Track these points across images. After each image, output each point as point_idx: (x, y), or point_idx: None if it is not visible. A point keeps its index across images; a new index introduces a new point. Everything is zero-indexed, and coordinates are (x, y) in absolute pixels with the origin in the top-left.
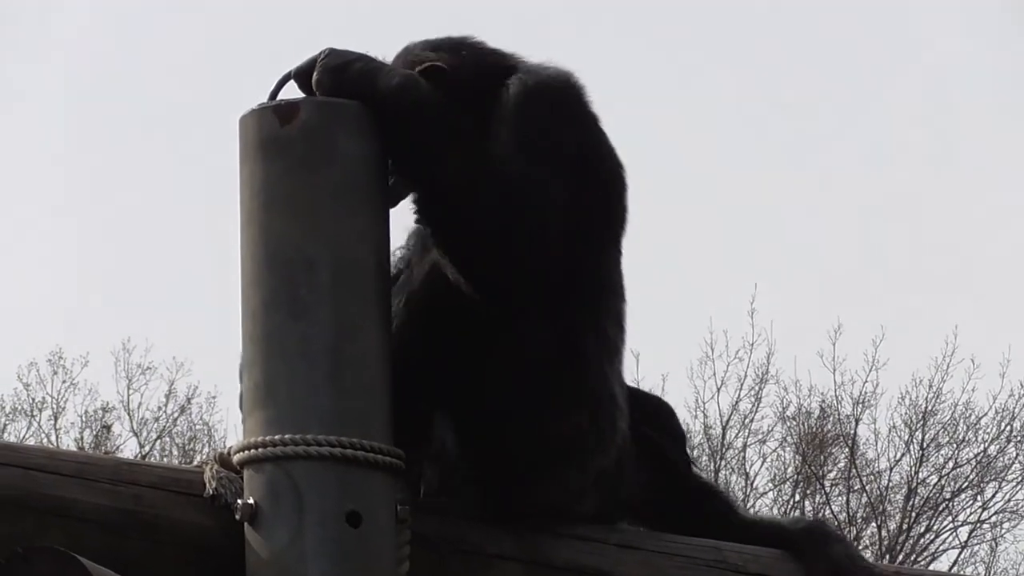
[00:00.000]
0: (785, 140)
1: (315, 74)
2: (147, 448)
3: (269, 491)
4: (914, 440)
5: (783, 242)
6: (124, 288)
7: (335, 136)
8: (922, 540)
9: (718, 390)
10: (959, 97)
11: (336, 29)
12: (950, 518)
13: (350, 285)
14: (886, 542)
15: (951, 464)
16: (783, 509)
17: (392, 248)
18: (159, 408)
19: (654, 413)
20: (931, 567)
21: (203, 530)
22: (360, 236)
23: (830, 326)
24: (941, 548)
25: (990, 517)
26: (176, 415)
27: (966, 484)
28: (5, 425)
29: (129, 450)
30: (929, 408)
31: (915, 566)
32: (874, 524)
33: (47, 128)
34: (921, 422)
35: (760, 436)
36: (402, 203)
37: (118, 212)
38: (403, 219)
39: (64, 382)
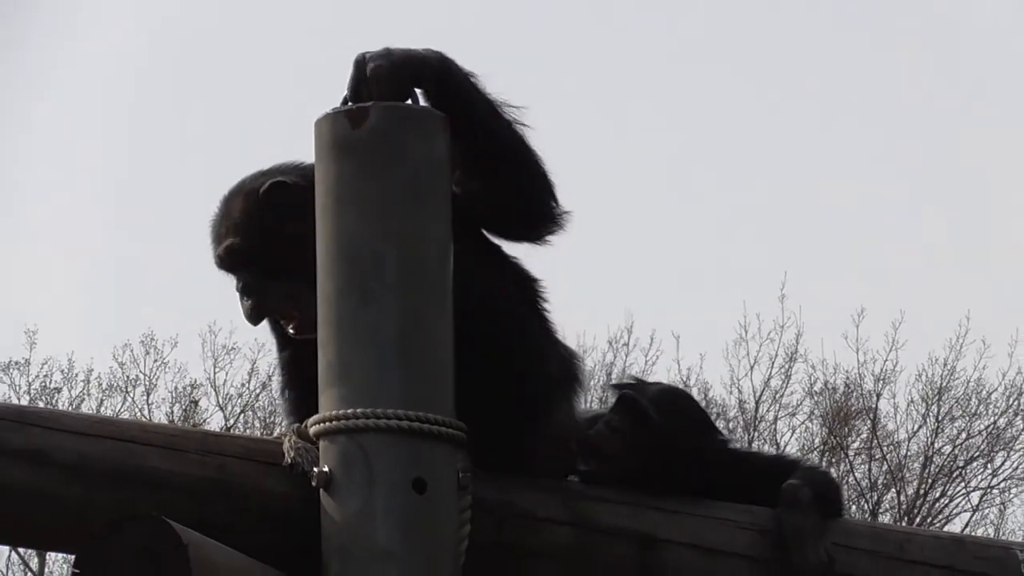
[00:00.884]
0: (812, 139)
1: (370, 67)
2: (231, 421)
3: (342, 460)
4: (930, 413)
5: (811, 234)
6: (210, 275)
7: (402, 138)
8: (937, 504)
9: (751, 368)
10: (967, 94)
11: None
12: (963, 484)
13: (415, 277)
14: (904, 506)
15: (964, 435)
16: None
17: None
18: (242, 385)
19: (673, 406)
20: (945, 528)
21: (282, 496)
22: (424, 232)
23: (854, 310)
24: (955, 511)
25: (999, 483)
26: (258, 391)
27: (977, 453)
28: (102, 401)
29: (215, 423)
30: (944, 384)
31: (931, 528)
32: (893, 490)
33: (134, 111)
34: (937, 397)
35: (790, 410)
36: None
37: (206, 201)
38: None
39: (156, 361)
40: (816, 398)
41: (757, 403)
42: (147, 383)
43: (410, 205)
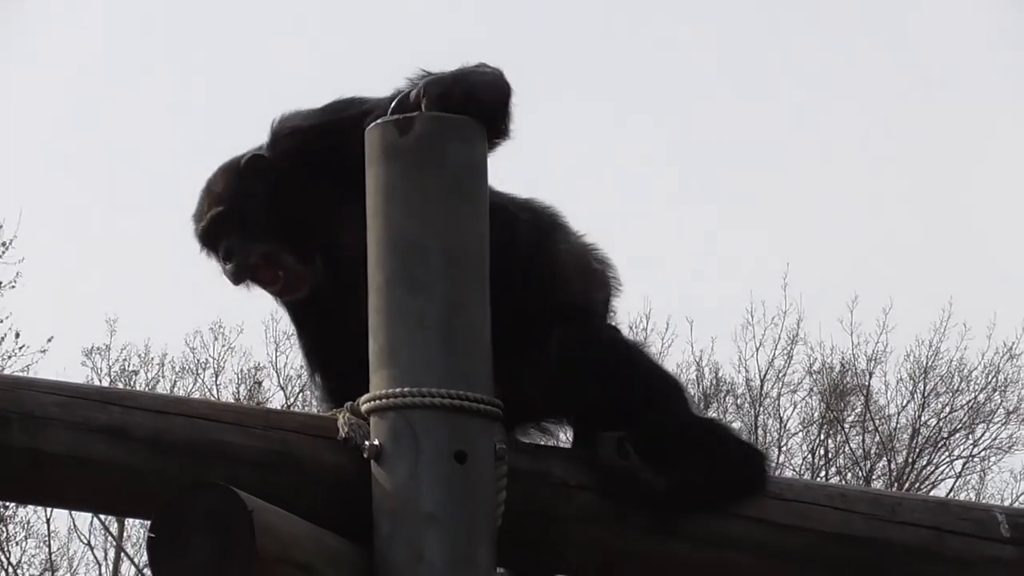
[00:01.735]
0: (811, 137)
1: (423, 104)
2: (292, 400)
3: (391, 434)
4: (917, 390)
5: (810, 229)
6: None
7: (444, 145)
8: (924, 471)
9: (757, 350)
10: (953, 88)
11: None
12: (947, 453)
13: (456, 267)
14: (895, 473)
15: (948, 409)
16: (810, 447)
17: None
18: (301, 367)
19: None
20: (932, 493)
21: (337, 467)
22: (465, 227)
23: (848, 298)
24: (940, 478)
25: (980, 452)
26: None
27: (960, 426)
28: (175, 382)
29: (277, 402)
30: (929, 364)
31: (919, 492)
32: (885, 459)
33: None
34: (923, 375)
35: (791, 387)
36: None
37: None
38: None
39: (223, 346)
40: (815, 376)
41: (762, 381)
42: (216, 366)
43: (452, 203)
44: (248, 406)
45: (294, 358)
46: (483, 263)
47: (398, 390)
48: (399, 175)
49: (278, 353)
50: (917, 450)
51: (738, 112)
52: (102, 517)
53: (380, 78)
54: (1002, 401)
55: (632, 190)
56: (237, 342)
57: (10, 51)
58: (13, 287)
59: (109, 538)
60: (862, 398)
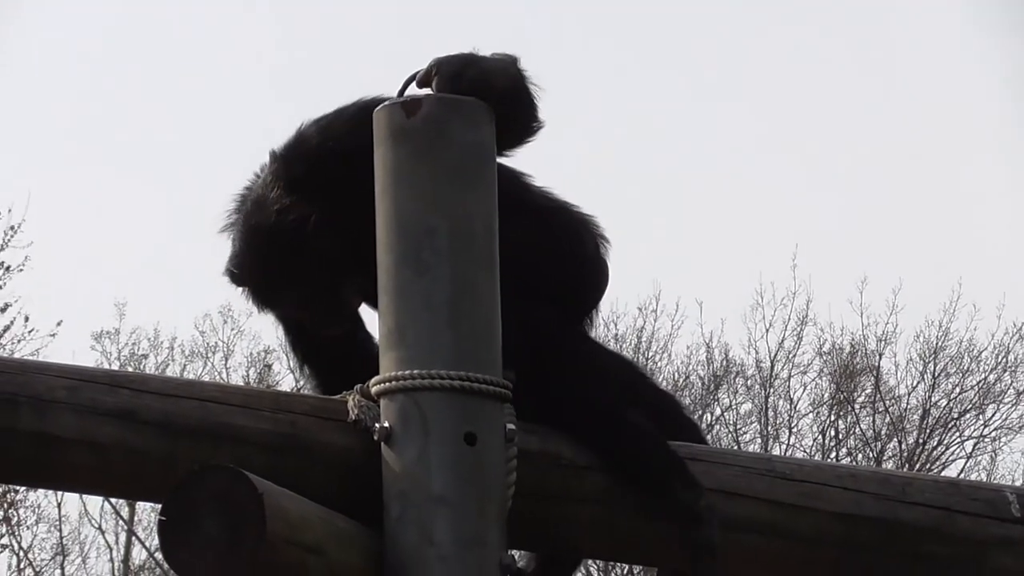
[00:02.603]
0: (820, 116)
1: (434, 82)
2: (301, 382)
3: (401, 416)
4: (927, 370)
5: (819, 209)
6: None
7: (452, 126)
8: (934, 452)
9: (767, 331)
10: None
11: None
12: (957, 434)
13: (464, 248)
14: (905, 454)
15: (958, 390)
16: (821, 428)
17: None
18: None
19: (661, 409)
20: (942, 474)
21: (347, 450)
22: (472, 208)
23: (858, 278)
24: (950, 458)
25: (990, 433)
26: None
27: (970, 406)
28: (185, 366)
29: (286, 384)
30: (939, 344)
31: (929, 473)
32: (895, 440)
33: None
34: (933, 356)
35: (801, 368)
36: None
37: None
38: None
39: (233, 330)
40: (825, 357)
41: (772, 362)
42: (225, 349)
43: (459, 184)
44: (258, 389)
45: None
46: (492, 244)
47: (407, 372)
48: (406, 157)
49: None
50: (928, 431)
51: (747, 89)
52: (113, 501)
53: (392, 79)
54: (1012, 381)
55: (639, 165)
56: (247, 325)
57: (22, 28)
58: (22, 271)
59: (120, 522)
60: (872, 379)
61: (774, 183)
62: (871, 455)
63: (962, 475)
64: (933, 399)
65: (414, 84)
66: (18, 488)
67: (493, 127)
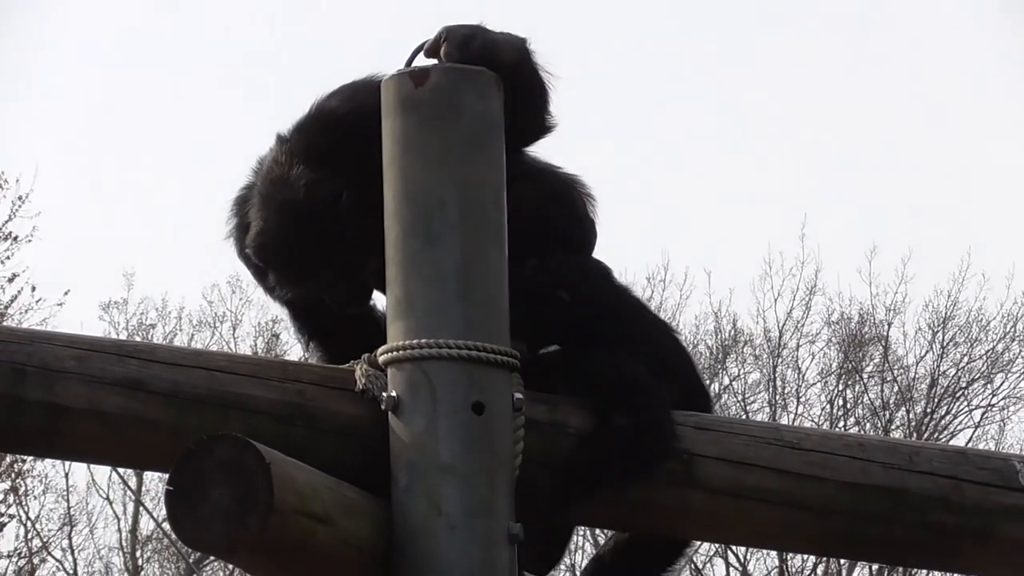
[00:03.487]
0: (829, 87)
1: (443, 48)
2: (309, 352)
3: (409, 386)
4: (936, 340)
5: (827, 179)
6: None
7: (460, 96)
8: (943, 421)
9: (775, 300)
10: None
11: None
12: (966, 403)
13: (473, 218)
14: (913, 423)
15: (966, 359)
16: (829, 398)
17: None
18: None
19: (673, 369)
20: (950, 443)
21: (355, 419)
22: (481, 178)
23: (867, 248)
24: (959, 428)
25: (998, 402)
26: None
27: (978, 375)
28: (193, 335)
29: (294, 354)
30: (948, 314)
31: (937, 442)
32: (904, 409)
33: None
34: (941, 325)
35: (810, 338)
36: None
37: None
38: None
39: (241, 300)
40: (833, 327)
41: (781, 332)
42: (233, 319)
43: (468, 154)
44: (265, 358)
45: None
46: (500, 214)
47: (415, 341)
48: (415, 127)
49: None
50: (936, 400)
51: (755, 60)
52: (120, 471)
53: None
54: (1021, 351)
55: (648, 141)
56: (255, 295)
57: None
58: (30, 241)
59: (128, 492)
60: (880, 348)
61: (783, 152)
62: (879, 424)
63: (970, 444)
64: (941, 368)
65: (422, 55)
66: (26, 458)
67: (501, 97)
